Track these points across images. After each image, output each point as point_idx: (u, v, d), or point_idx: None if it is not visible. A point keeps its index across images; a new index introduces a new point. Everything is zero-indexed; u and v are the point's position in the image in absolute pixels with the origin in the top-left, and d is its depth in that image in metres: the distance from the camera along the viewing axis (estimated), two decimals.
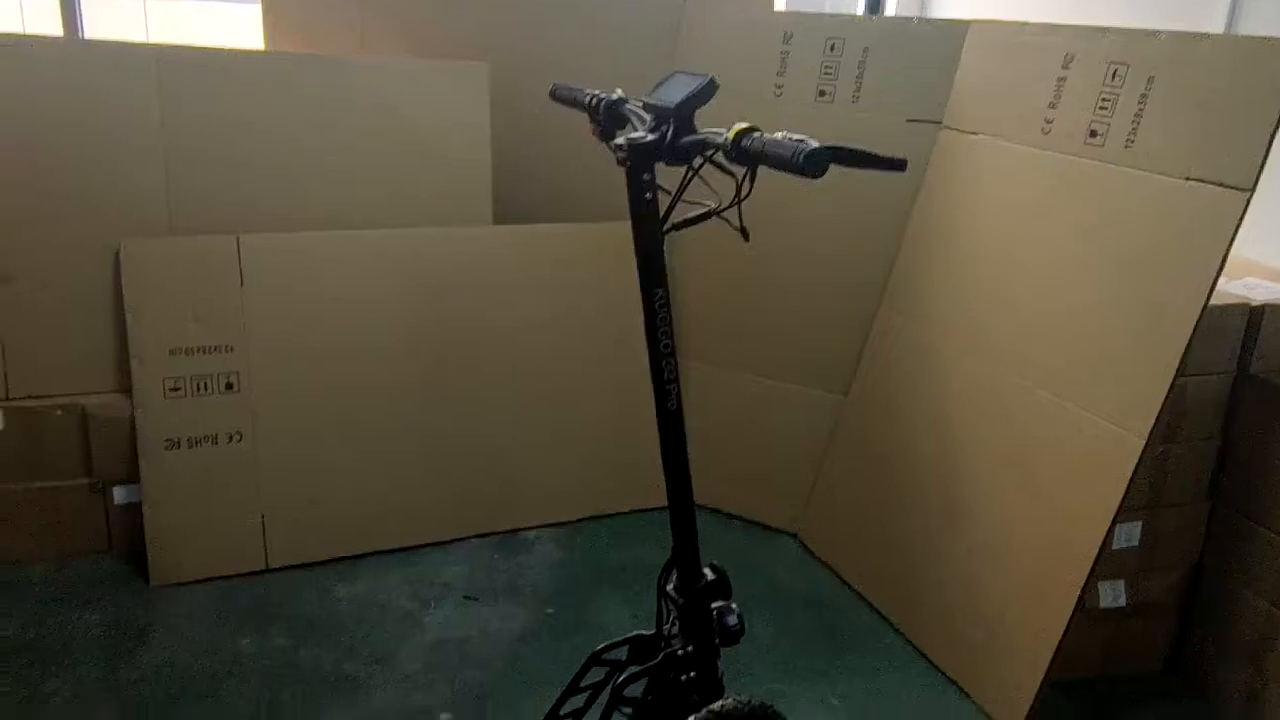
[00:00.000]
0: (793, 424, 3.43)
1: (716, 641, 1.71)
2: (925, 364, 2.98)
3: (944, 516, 2.80)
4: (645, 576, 3.06)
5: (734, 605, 1.72)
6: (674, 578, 1.70)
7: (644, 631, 1.77)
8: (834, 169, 1.27)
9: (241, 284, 3.09)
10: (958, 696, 2.61)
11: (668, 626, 1.73)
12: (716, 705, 1.73)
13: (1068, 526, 2.42)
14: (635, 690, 1.69)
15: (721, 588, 1.71)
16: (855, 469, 3.22)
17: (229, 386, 3.09)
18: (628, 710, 1.69)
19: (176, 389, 3.04)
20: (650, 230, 1.50)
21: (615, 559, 3.28)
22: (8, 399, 3.01)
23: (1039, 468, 2.54)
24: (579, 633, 2.86)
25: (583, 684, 1.79)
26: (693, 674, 1.70)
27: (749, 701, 1.77)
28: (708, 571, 1.71)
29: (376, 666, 2.73)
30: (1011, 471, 2.61)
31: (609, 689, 1.71)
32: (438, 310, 3.32)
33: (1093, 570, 2.35)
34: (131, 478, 3.05)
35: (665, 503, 3.43)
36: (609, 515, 3.52)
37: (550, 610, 3.01)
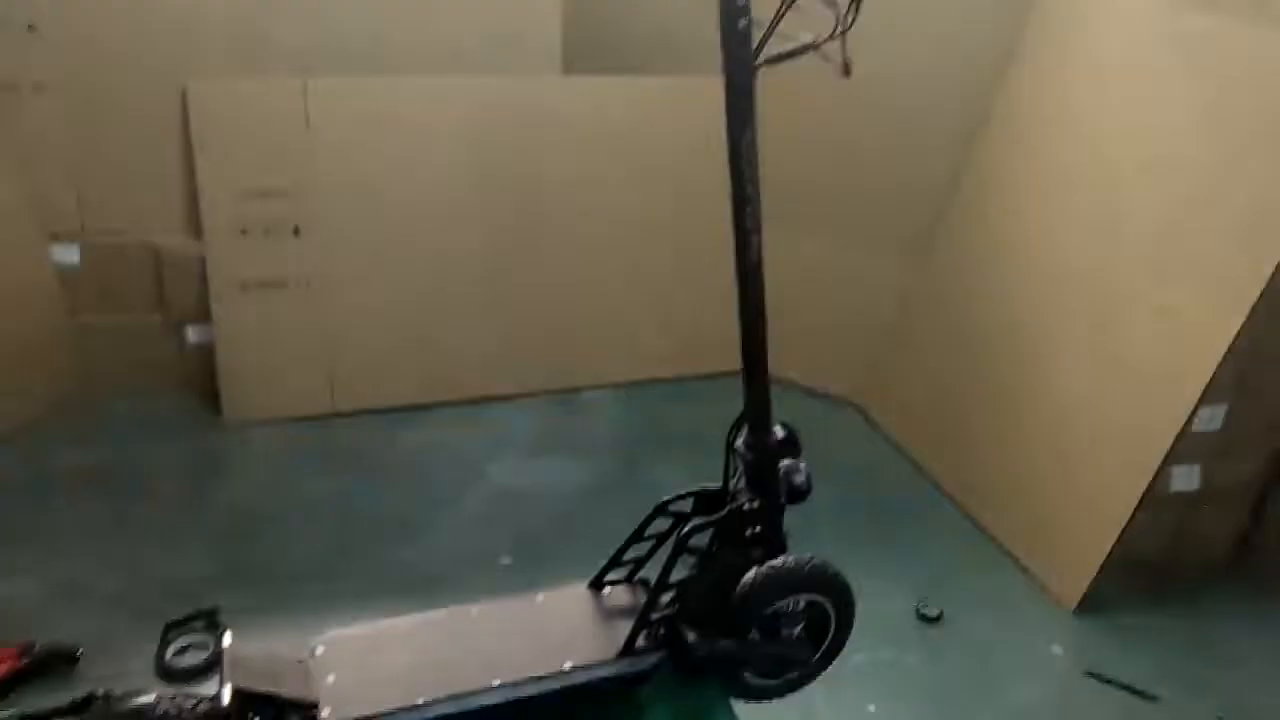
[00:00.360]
0: (862, 292, 3.34)
1: (782, 499, 1.69)
2: (1009, 234, 2.85)
3: (1016, 392, 2.72)
4: (704, 440, 3.05)
5: (802, 464, 1.70)
6: (743, 434, 1.68)
7: (710, 485, 1.76)
8: None
9: (307, 127, 3.04)
10: (1015, 570, 2.60)
11: (734, 482, 1.72)
12: (778, 561, 1.73)
13: (1149, 407, 2.34)
14: (698, 541, 1.69)
15: (791, 446, 1.69)
16: (925, 342, 3.14)
17: (296, 232, 3.09)
18: (690, 560, 1.70)
19: (245, 232, 3.04)
20: (742, 62, 1.40)
21: (675, 421, 3.28)
22: (83, 235, 3.05)
23: (1124, 346, 2.44)
24: (636, 489, 2.89)
25: (647, 533, 1.80)
26: (757, 529, 1.69)
27: (810, 560, 1.78)
28: (778, 430, 1.68)
29: (440, 511, 2.80)
30: (1094, 349, 2.52)
31: (674, 538, 1.72)
32: (507, 162, 3.24)
33: (1169, 452, 2.29)
34: (203, 318, 3.10)
35: (728, 369, 3.39)
36: (670, 379, 3.51)
37: (608, 467, 3.04)
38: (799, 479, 1.67)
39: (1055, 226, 2.69)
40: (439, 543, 2.67)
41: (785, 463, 1.68)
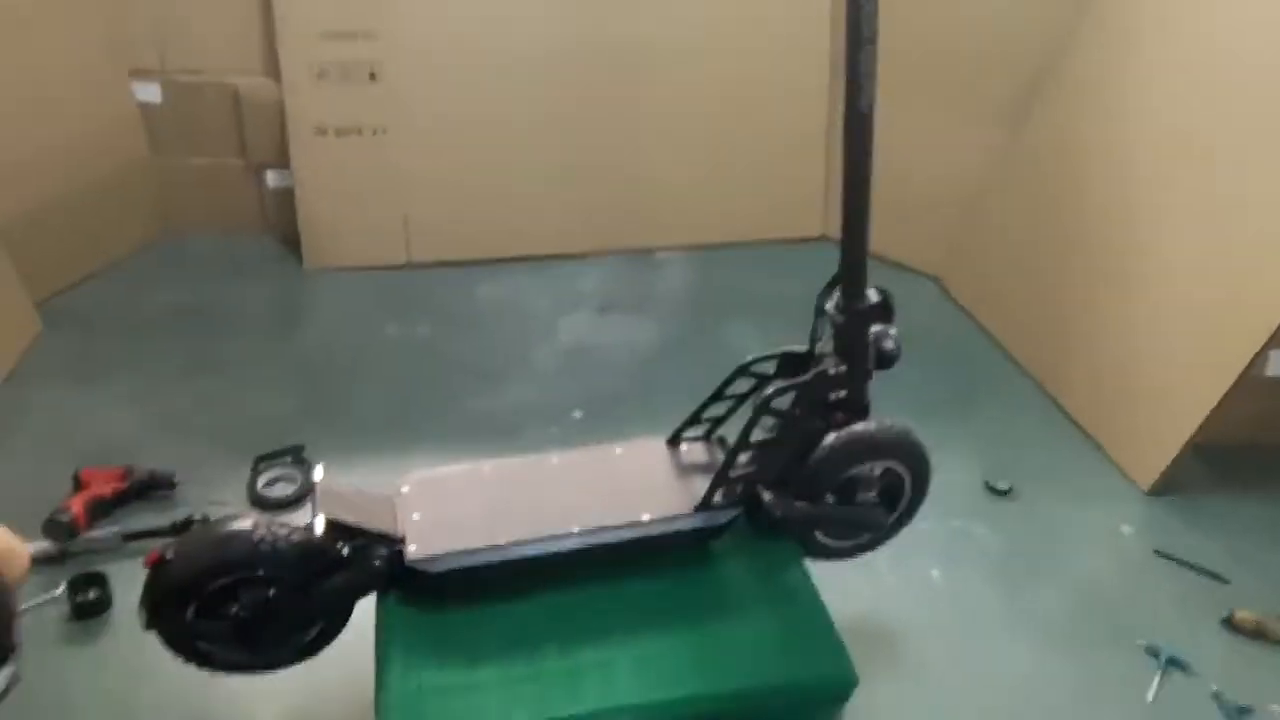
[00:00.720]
0: (946, 161, 3.18)
1: (870, 365, 1.66)
2: (1115, 106, 2.67)
3: (1107, 268, 2.62)
4: (778, 306, 3.02)
5: (892, 331, 1.66)
6: (835, 296, 1.63)
7: (795, 348, 1.74)
8: None
9: None
10: (1091, 450, 2.56)
11: (820, 345, 1.69)
12: (859, 427, 1.72)
13: (1252, 287, 2.23)
14: (779, 403, 1.68)
15: (883, 312, 1.64)
16: (1012, 215, 3.01)
17: (372, 76, 3.03)
18: (769, 422, 1.69)
19: (323, 75, 3.00)
20: None
21: (749, 286, 3.24)
22: (163, 73, 3.04)
23: (1234, 227, 2.31)
24: (709, 352, 2.89)
25: (727, 393, 1.79)
26: (842, 394, 1.67)
27: (891, 427, 1.76)
28: (871, 293, 1.63)
29: (513, 364, 2.84)
30: (1200, 230, 2.39)
31: (755, 400, 1.71)
32: (590, 8, 3.11)
33: (1271, 336, 2.19)
34: (283, 162, 3.10)
35: (807, 234, 3.30)
36: (744, 243, 3.44)
37: (680, 328, 3.03)
38: (889, 345, 1.63)
39: (1165, 96, 2.52)
40: (513, 394, 2.72)
41: (875, 328, 1.64)
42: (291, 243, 3.18)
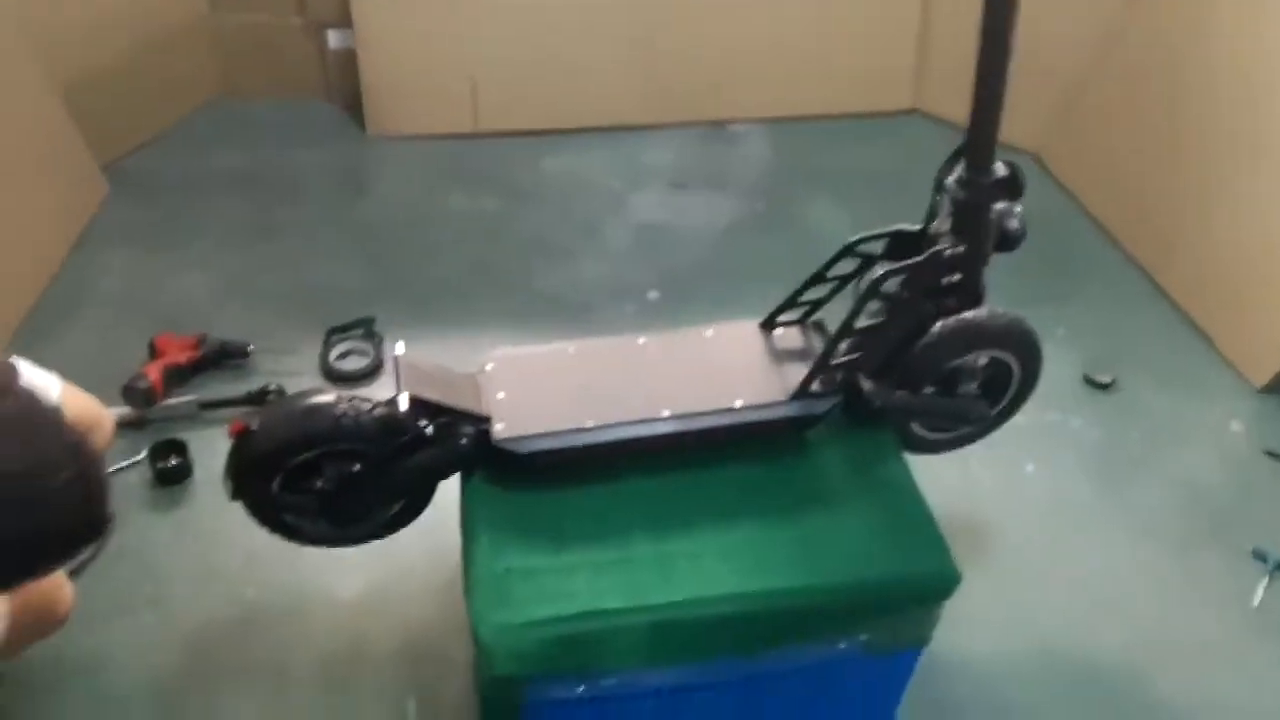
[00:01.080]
0: (1054, 27, 2.89)
1: (989, 247, 1.53)
2: None
3: (1230, 157, 2.40)
4: (858, 182, 2.87)
5: (1018, 208, 1.51)
6: (958, 170, 1.48)
7: (907, 226, 1.60)
8: None
9: None
10: (1199, 343, 2.41)
11: (937, 224, 1.55)
12: (970, 314, 1.60)
13: None
14: (887, 287, 1.56)
15: (1011, 187, 1.49)
16: (1125, 91, 2.77)
17: None
18: (873, 307, 1.58)
19: None
20: None
21: (828, 161, 3.06)
22: None
23: None
24: (789, 230, 2.75)
25: (829, 274, 1.67)
26: (956, 277, 1.54)
27: (1004, 315, 1.64)
28: (999, 167, 1.48)
29: (584, 240, 2.73)
30: None
31: (860, 282, 1.59)
32: None
33: None
34: (344, 21, 2.94)
35: (892, 108, 3.09)
36: (826, 116, 3.23)
37: (758, 205, 2.89)
38: (1014, 225, 1.49)
39: None
40: (584, 271, 2.62)
41: (999, 206, 1.49)
42: (354, 108, 3.06)
